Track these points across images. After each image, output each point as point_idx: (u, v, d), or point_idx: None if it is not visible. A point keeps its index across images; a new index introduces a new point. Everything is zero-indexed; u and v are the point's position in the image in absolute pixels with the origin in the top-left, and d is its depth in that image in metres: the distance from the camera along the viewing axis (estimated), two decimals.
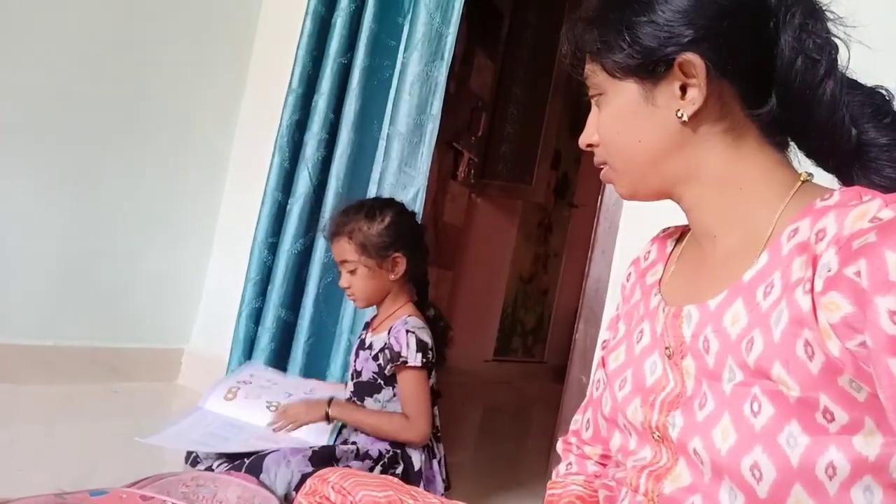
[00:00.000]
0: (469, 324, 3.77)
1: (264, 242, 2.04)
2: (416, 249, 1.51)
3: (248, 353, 2.01)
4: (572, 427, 0.91)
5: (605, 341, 0.87)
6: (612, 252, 1.62)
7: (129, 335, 2.23)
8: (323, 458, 1.32)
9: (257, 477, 1.24)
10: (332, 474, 0.97)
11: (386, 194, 1.86)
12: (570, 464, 0.89)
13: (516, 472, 2.14)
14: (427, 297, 1.57)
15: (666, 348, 0.71)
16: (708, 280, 0.70)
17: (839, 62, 0.66)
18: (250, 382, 1.61)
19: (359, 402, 1.49)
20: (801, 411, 0.56)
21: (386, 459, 1.40)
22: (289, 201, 2.04)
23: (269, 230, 2.04)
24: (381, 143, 1.99)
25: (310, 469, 1.28)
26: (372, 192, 1.97)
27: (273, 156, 2.06)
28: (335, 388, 1.68)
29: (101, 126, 2.07)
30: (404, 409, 1.42)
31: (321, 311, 1.98)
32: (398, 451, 1.43)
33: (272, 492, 1.16)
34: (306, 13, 2.06)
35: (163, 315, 2.35)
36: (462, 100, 3.33)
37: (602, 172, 0.76)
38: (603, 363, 0.85)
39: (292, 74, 2.04)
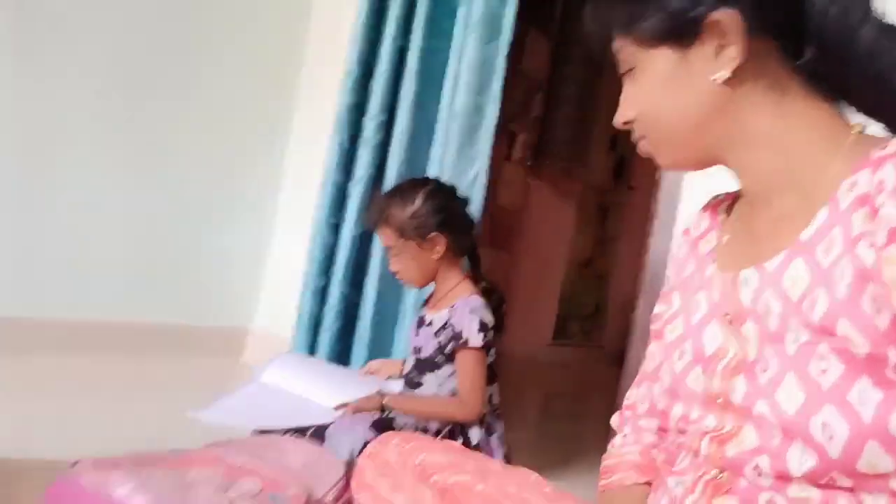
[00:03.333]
0: (526, 307, 3.77)
1: (325, 223, 2.09)
2: (454, 225, 1.52)
3: (313, 332, 2.07)
4: (627, 402, 0.91)
5: (656, 314, 0.87)
6: (671, 229, 1.60)
7: (196, 313, 2.33)
8: (385, 426, 1.36)
9: (321, 443, 1.28)
10: (393, 438, 1.00)
11: (445, 177, 1.88)
12: (625, 435, 0.89)
13: (574, 450, 2.14)
14: (479, 269, 1.58)
15: (725, 315, 0.70)
16: (764, 243, 0.69)
17: (874, 8, 0.63)
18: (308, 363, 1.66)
19: (418, 379, 1.52)
20: (870, 367, 0.55)
21: (444, 433, 1.42)
22: (349, 184, 2.08)
23: (330, 211, 2.09)
24: (440, 126, 2.01)
25: (372, 436, 1.31)
26: (432, 175, 1.98)
27: (332, 137, 2.10)
28: (391, 366, 1.72)
29: (167, 111, 2.16)
30: (459, 389, 1.45)
31: (385, 291, 2.02)
32: (456, 427, 1.45)
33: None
34: None
35: (228, 293, 2.44)
36: (516, 80, 3.31)
37: (640, 146, 0.75)
38: (657, 336, 0.85)
39: (349, 57, 2.08)
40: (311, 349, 2.08)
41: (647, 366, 0.87)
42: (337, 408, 1.44)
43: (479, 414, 1.44)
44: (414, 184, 1.58)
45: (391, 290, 2.04)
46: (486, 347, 1.45)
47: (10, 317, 1.85)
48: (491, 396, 1.54)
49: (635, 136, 0.75)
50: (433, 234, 1.49)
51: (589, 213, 4.34)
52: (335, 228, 2.09)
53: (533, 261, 3.87)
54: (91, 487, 0.83)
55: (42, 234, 1.94)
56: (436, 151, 2.00)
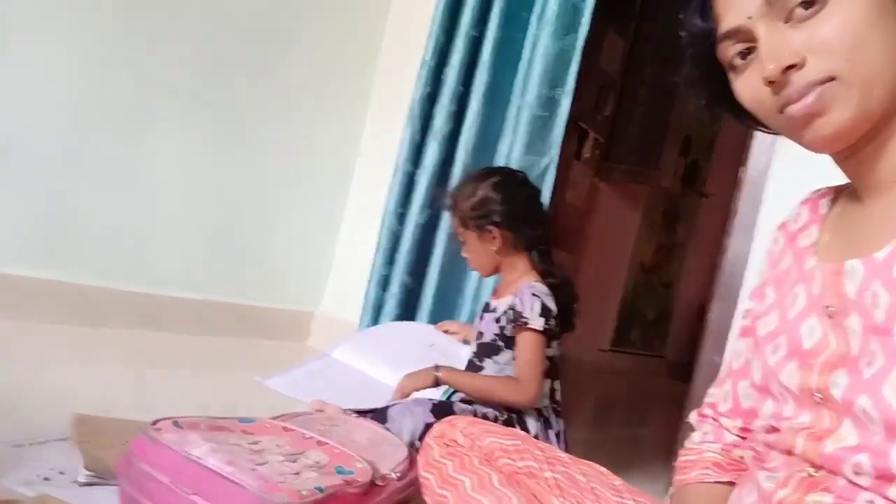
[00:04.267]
0: (586, 311, 3.69)
1: (394, 212, 2.10)
2: (516, 219, 1.51)
3: (376, 319, 2.09)
4: (708, 400, 0.88)
5: (747, 310, 0.83)
6: (753, 228, 1.54)
7: (265, 294, 2.38)
8: (444, 410, 1.35)
9: (382, 424, 1.29)
10: (461, 420, 1.00)
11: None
12: (705, 433, 0.85)
13: (632, 455, 2.09)
14: (551, 265, 1.56)
15: (826, 307, 0.66)
16: (872, 233, 0.65)
17: None
18: (380, 341, 1.68)
19: (479, 363, 1.51)
20: None
21: (502, 422, 1.41)
22: (416, 172, 2.09)
23: (398, 200, 2.10)
24: (510, 118, 2.00)
25: (432, 420, 1.31)
26: (501, 164, 1.98)
27: (404, 128, 2.12)
28: (466, 330, 1.74)
29: (245, 96, 2.21)
30: (516, 370, 1.43)
31: (445, 280, 2.03)
32: (513, 415, 1.44)
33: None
34: None
35: (297, 277, 2.49)
36: (589, 77, 3.26)
37: (817, 94, 0.61)
38: (746, 332, 0.81)
39: (426, 48, 2.09)
40: None
41: (734, 363, 0.83)
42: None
43: (534, 399, 1.42)
44: (482, 174, 1.59)
45: (451, 280, 2.04)
46: (546, 334, 1.42)
47: (92, 286, 1.93)
48: (553, 392, 1.52)
49: (815, 77, 0.61)
50: (489, 226, 1.50)
51: (656, 219, 4.25)
52: (401, 217, 2.11)
53: (595, 264, 3.80)
54: (171, 444, 0.86)
55: (125, 210, 2.02)
56: (504, 143, 2.00)
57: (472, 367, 1.53)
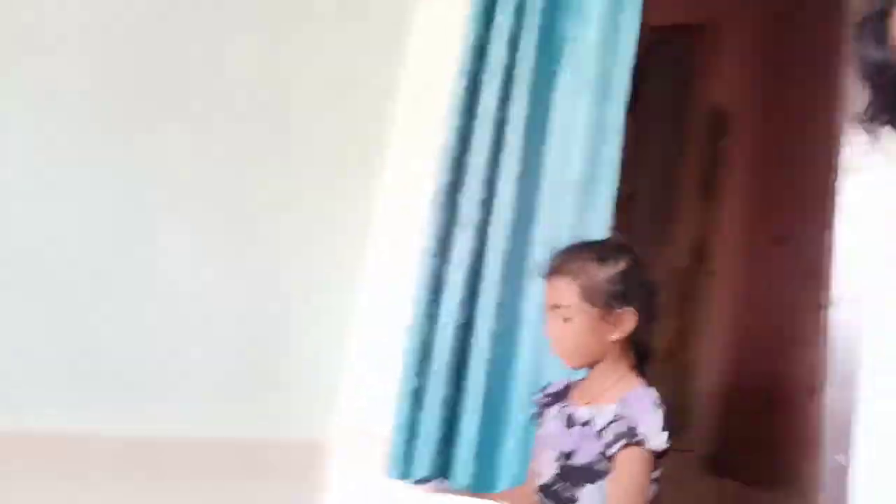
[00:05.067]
0: None
1: (424, 314, 1.85)
2: (647, 307, 1.26)
3: (410, 440, 1.79)
4: None
5: None
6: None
7: (264, 425, 2.05)
8: None
9: None
10: None
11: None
12: None
13: None
14: (648, 366, 1.31)
15: None
16: None
17: None
18: None
19: (569, 493, 1.22)
20: None
21: None
22: (445, 269, 1.86)
23: (427, 300, 1.86)
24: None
25: None
26: (539, 252, 1.76)
27: (428, 222, 1.91)
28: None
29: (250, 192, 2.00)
30: (617, 500, 1.14)
31: (491, 390, 1.75)
32: None
33: None
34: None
35: (299, 400, 2.18)
36: None
37: None
38: None
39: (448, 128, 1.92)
40: (406, 461, 1.80)
41: None
42: None
43: None
44: (617, 246, 1.33)
45: (498, 389, 1.77)
46: (660, 456, 1.15)
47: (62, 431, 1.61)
48: None
49: None
50: (626, 308, 1.23)
51: (669, 300, 4.04)
52: (432, 319, 1.86)
53: None
54: None
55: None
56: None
57: (558, 500, 1.23)
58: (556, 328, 1.25)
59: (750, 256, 3.57)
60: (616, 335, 1.24)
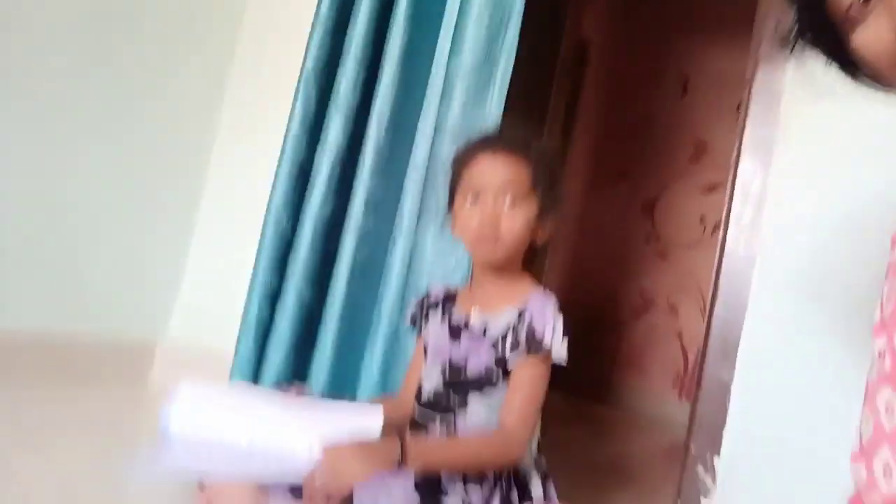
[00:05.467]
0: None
1: (282, 206, 1.63)
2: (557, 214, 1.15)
3: (262, 343, 1.61)
4: (857, 479, 0.66)
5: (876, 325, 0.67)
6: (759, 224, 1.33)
7: (87, 321, 1.76)
8: (430, 485, 0.96)
9: None
10: None
11: (446, 148, 1.51)
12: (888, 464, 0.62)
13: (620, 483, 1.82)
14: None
15: None
16: None
17: None
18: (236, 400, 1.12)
19: (455, 405, 1.12)
20: None
21: (503, 483, 1.04)
22: (315, 156, 1.65)
23: (288, 190, 1.64)
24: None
25: (417, 500, 0.92)
26: (422, 146, 1.60)
27: (295, 101, 1.66)
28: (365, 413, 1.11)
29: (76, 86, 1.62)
30: (511, 413, 1.05)
31: (355, 293, 1.60)
32: (512, 472, 1.08)
33: None
34: None
35: (132, 297, 1.89)
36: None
37: None
38: None
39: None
40: (259, 364, 1.62)
41: (885, 424, 0.64)
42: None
43: (523, 453, 1.07)
44: (528, 137, 1.15)
45: (364, 290, 1.62)
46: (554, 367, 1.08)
47: None
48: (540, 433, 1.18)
49: None
50: (553, 213, 1.12)
51: None
52: (295, 212, 1.65)
53: None
54: None
55: None
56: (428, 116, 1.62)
57: (441, 410, 1.13)
58: (500, 213, 1.08)
59: (594, 189, 3.70)
60: (539, 238, 1.12)
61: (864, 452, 0.65)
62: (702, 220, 3.35)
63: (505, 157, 1.09)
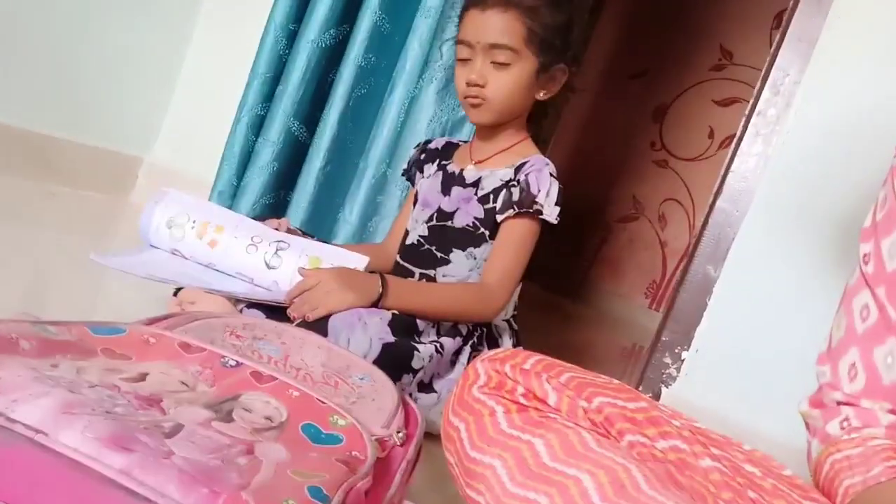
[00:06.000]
0: None
1: (282, 28, 1.51)
2: (578, 66, 1.07)
3: (241, 173, 1.54)
4: (821, 380, 0.64)
5: (866, 254, 0.63)
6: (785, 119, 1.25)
7: (73, 125, 1.67)
8: (405, 326, 0.93)
9: None
10: (527, 359, 0.59)
11: None
12: (845, 419, 0.61)
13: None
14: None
15: None
16: None
17: None
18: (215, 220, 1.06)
19: (436, 255, 1.08)
20: None
21: (475, 339, 1.03)
22: None
23: (290, 12, 1.51)
24: None
25: (391, 339, 0.89)
26: None
27: None
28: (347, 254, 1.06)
29: None
30: (494, 268, 1.02)
31: (346, 132, 1.52)
32: (485, 329, 1.05)
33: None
34: None
35: (121, 108, 1.79)
36: None
37: None
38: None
39: None
40: (236, 192, 1.56)
41: (856, 323, 0.63)
42: (293, 314, 0.92)
43: (500, 311, 1.05)
44: None
45: (355, 133, 1.54)
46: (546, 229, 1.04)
47: None
48: (518, 299, 1.15)
49: None
50: (561, 65, 1.04)
51: None
52: (292, 36, 1.53)
53: None
54: None
55: None
56: None
57: (421, 260, 1.09)
58: (487, 73, 1.01)
59: (607, 87, 3.53)
60: (544, 94, 1.05)
61: (831, 355, 0.64)
62: (711, 133, 3.24)
63: (495, 11, 1.00)
